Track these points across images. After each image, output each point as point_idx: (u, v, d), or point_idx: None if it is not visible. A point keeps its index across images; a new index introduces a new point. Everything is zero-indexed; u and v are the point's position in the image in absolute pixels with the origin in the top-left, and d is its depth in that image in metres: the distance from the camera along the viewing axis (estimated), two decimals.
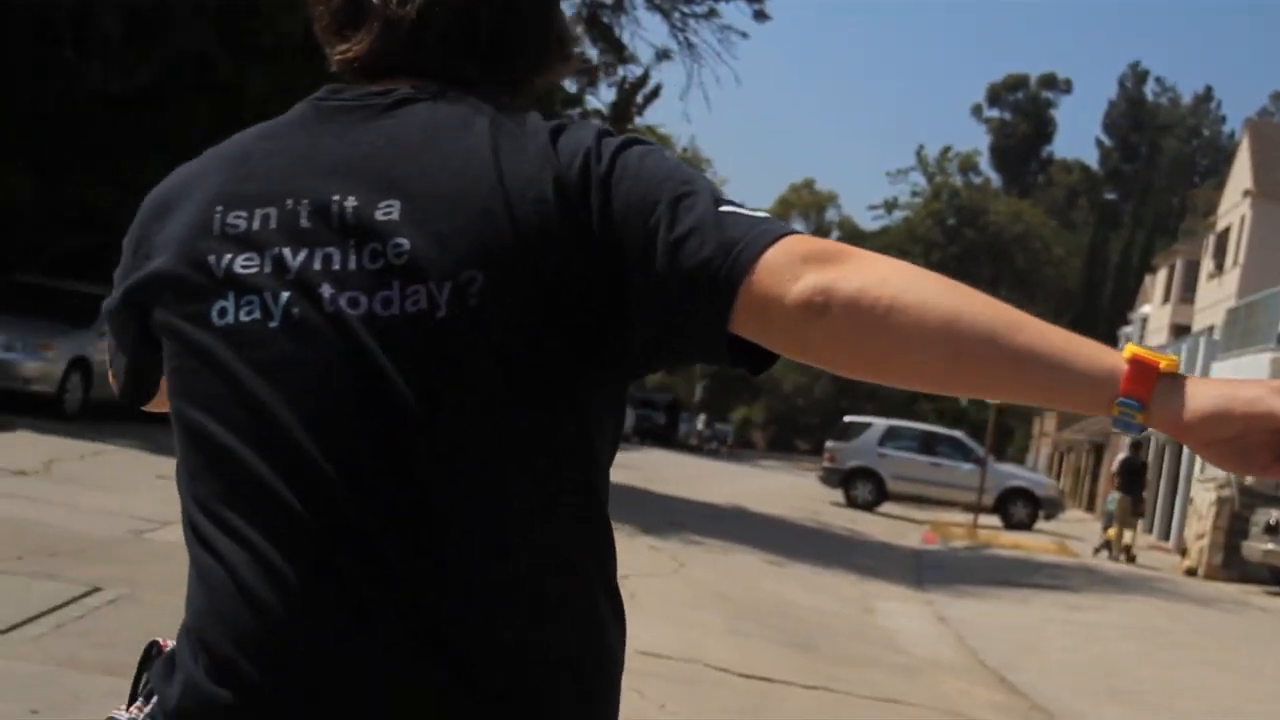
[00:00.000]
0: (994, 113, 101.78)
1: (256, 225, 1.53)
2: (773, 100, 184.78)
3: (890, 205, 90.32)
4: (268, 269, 1.51)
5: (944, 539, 22.78)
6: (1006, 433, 64.33)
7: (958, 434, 31.98)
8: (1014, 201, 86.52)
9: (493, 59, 1.63)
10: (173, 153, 2.77)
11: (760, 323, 1.42)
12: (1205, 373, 26.92)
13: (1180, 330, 47.09)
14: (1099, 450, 43.87)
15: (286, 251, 1.51)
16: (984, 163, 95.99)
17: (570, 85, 24.62)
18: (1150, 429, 1.37)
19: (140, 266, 1.59)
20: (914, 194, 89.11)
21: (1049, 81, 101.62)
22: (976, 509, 26.22)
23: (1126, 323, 64.05)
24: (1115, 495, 22.60)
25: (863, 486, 29.62)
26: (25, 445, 12.85)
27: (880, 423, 31.60)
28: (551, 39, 1.69)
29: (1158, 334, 51.42)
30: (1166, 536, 28.67)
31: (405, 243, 1.47)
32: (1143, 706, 9.23)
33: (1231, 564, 20.42)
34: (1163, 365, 1.36)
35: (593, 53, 25.28)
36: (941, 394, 1.47)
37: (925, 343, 1.38)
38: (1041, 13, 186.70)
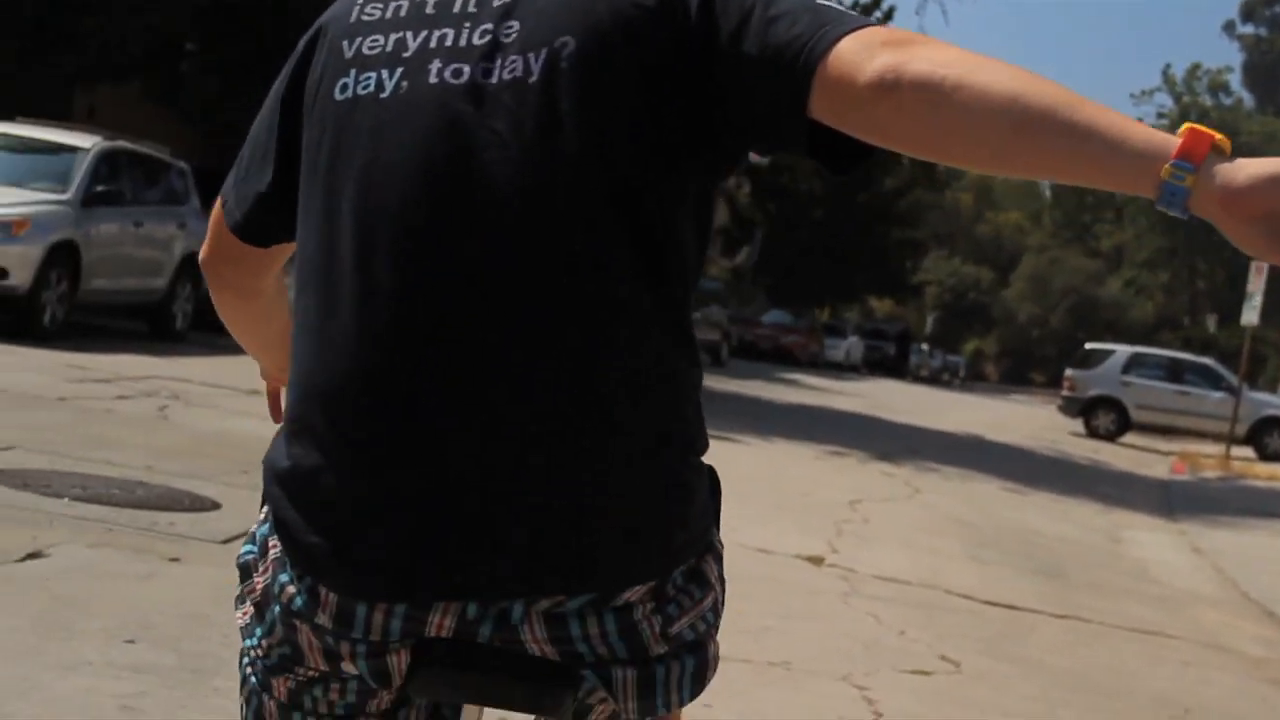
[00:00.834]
0: (1248, 29, 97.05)
1: (389, 14, 1.66)
2: (1010, 20, 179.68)
3: None
4: (389, 49, 1.63)
5: (1193, 469, 21.75)
6: (1259, 360, 61.51)
7: (1207, 361, 30.52)
8: (1269, 121, 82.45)
9: None
10: None
11: (835, 103, 1.47)
12: None
13: None
14: None
15: (409, 34, 1.63)
16: (1235, 81, 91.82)
17: None
18: (1192, 206, 1.36)
19: (300, 69, 1.72)
20: (1160, 116, 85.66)
21: None
22: (1229, 439, 24.94)
23: None
24: None
25: (1104, 416, 28.47)
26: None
27: (1124, 349, 30.32)
28: None
29: None
30: None
31: (515, 23, 1.58)
32: None
33: None
34: (1217, 138, 1.37)
35: None
36: (1001, 172, 1.50)
37: (989, 116, 1.42)
38: None
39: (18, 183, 13.19)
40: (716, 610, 1.67)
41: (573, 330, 1.53)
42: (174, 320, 15.15)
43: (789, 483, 11.60)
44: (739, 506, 9.63)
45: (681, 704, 1.63)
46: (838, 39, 1.47)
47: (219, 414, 9.73)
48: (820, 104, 1.48)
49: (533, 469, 1.52)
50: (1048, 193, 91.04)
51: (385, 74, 1.60)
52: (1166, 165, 1.36)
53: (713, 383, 24.99)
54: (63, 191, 13.23)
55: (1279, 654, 7.61)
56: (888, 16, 25.62)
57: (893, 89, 1.43)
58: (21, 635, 4.18)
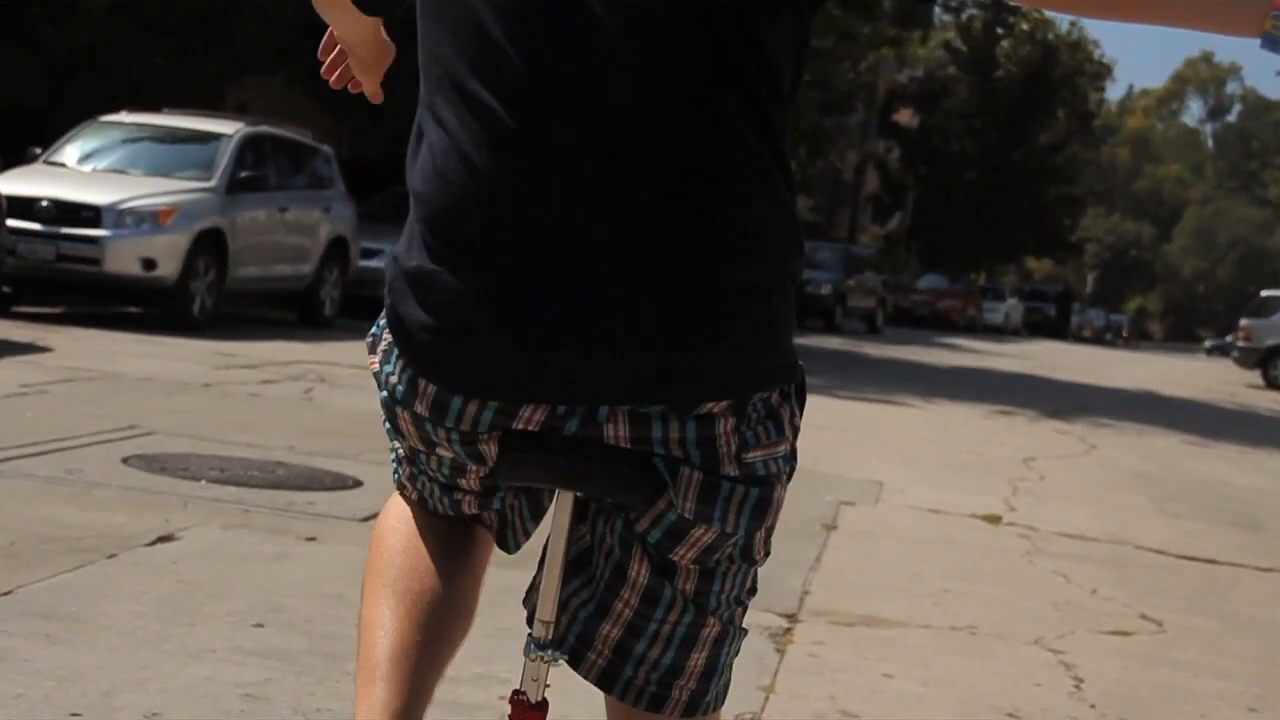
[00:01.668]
0: None
1: None
2: None
3: None
4: None
5: None
6: None
7: None
8: None
9: None
10: None
11: None
12: None
13: None
14: None
15: None
16: None
17: None
18: None
19: None
20: None
21: None
22: None
23: None
24: None
25: None
26: None
27: None
28: None
29: None
30: None
31: None
32: None
33: None
34: None
35: None
36: (1113, 16, 1.64)
37: None
38: None
39: (163, 173, 13.16)
40: (789, 461, 1.74)
41: (668, 141, 1.61)
42: (322, 307, 15.03)
43: (957, 443, 11.07)
44: (906, 468, 9.20)
45: (737, 530, 1.68)
46: None
47: (366, 394, 9.49)
48: None
49: (634, 280, 1.60)
50: (1210, 143, 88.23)
51: None
52: (1270, 18, 1.55)
53: (869, 349, 24.42)
54: (207, 179, 13.16)
55: None
56: None
57: None
58: (144, 621, 3.90)
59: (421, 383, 1.69)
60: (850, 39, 28.77)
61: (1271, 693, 4.62)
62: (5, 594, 4.00)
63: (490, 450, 1.70)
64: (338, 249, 15.16)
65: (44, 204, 12.06)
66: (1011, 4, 1.58)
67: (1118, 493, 9.20)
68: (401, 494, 1.93)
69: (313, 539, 5.12)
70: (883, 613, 5.04)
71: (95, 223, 12.11)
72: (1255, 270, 73.86)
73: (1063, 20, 49.38)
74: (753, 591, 1.80)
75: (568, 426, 1.65)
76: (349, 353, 12.16)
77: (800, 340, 1.92)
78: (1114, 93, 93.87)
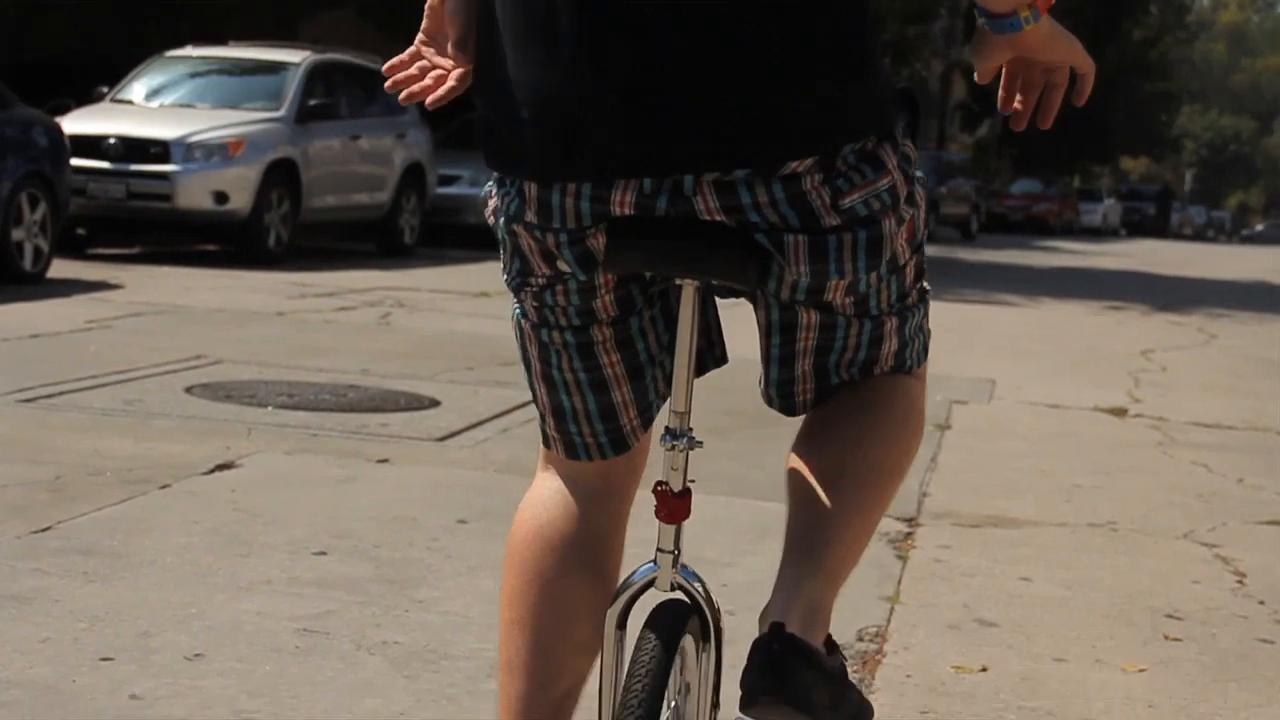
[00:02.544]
0: None
1: None
2: None
3: None
4: None
5: None
6: None
7: None
8: None
9: None
10: None
11: None
12: None
13: None
14: None
15: None
16: None
17: None
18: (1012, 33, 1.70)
19: None
20: None
21: None
22: None
23: None
24: None
25: None
26: (491, 273, 12.42)
27: None
28: None
29: None
30: None
31: None
32: None
33: None
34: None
35: None
36: None
37: None
38: None
39: (231, 105, 12.82)
40: (895, 193, 1.67)
41: None
42: (401, 235, 14.63)
43: (1069, 339, 10.50)
44: (1018, 364, 8.66)
45: (856, 273, 1.67)
46: None
47: (446, 317, 9.13)
48: None
49: (708, 40, 1.57)
50: None
51: None
52: (1027, 7, 1.69)
53: (965, 254, 23.72)
54: (276, 109, 12.80)
55: None
56: None
57: None
58: (193, 554, 3.52)
59: (526, 189, 1.69)
60: None
61: None
62: (42, 530, 3.65)
63: (599, 244, 1.68)
64: (414, 176, 14.75)
65: (111, 141, 11.76)
66: None
67: (1247, 380, 8.61)
68: (546, 449, 1.89)
69: (385, 460, 4.73)
70: (1010, 512, 4.57)
71: (164, 158, 11.79)
72: None
73: None
74: (919, 275, 1.84)
75: (658, 205, 1.63)
76: (429, 278, 11.80)
77: None
78: None
